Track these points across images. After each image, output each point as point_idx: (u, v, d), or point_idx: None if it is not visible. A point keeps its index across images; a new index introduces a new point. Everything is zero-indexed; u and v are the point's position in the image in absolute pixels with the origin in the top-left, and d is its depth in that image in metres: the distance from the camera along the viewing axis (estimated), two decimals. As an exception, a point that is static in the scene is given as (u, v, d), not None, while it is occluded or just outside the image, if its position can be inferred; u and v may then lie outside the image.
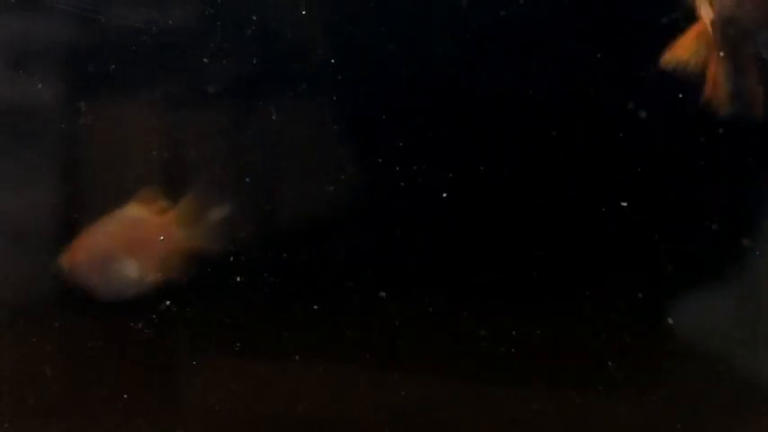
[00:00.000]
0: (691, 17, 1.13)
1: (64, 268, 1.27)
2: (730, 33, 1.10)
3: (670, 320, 1.24)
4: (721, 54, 1.10)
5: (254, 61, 1.25)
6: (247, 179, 1.30)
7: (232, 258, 1.29)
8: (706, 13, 1.11)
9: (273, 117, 1.27)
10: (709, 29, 1.11)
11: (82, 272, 1.26)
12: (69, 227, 1.31)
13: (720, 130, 1.17)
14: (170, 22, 1.24)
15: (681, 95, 1.15)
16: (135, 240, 1.26)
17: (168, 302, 1.29)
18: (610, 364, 1.26)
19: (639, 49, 1.17)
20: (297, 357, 1.30)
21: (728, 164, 1.20)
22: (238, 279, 1.29)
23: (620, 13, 1.19)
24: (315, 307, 1.28)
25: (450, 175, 1.25)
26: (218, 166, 1.30)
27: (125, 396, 1.32)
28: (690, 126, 1.18)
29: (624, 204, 1.21)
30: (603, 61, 1.19)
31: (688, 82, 1.13)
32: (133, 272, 1.26)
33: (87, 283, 1.26)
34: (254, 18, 1.24)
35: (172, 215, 1.26)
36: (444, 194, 1.25)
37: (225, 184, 1.29)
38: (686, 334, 1.24)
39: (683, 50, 1.12)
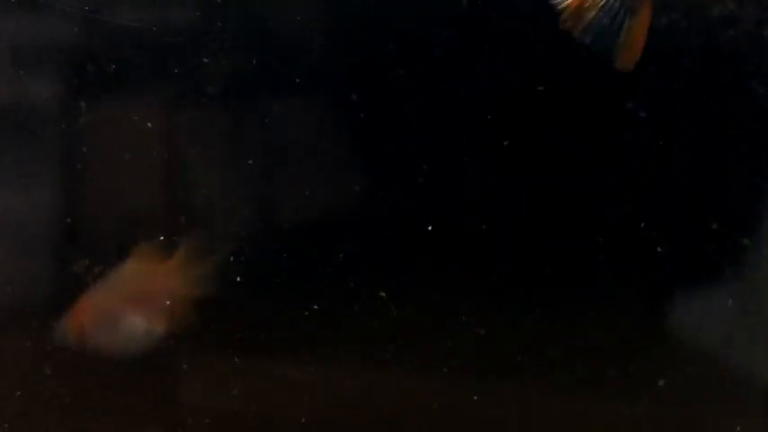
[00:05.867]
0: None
1: (69, 331, 1.27)
2: None
3: (670, 320, 1.24)
4: None
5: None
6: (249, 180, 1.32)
7: (232, 258, 1.29)
8: None
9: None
10: None
11: (89, 333, 1.26)
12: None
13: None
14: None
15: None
16: (138, 295, 1.26)
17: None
18: (609, 363, 1.26)
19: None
20: (297, 357, 1.30)
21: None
22: (239, 279, 1.29)
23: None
24: (315, 307, 1.29)
25: (450, 174, 1.26)
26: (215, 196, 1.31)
27: (125, 397, 1.32)
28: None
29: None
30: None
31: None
32: (141, 326, 1.26)
33: (95, 344, 1.26)
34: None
35: (171, 265, 1.27)
36: (444, 194, 1.25)
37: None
38: (686, 334, 1.25)
39: None
